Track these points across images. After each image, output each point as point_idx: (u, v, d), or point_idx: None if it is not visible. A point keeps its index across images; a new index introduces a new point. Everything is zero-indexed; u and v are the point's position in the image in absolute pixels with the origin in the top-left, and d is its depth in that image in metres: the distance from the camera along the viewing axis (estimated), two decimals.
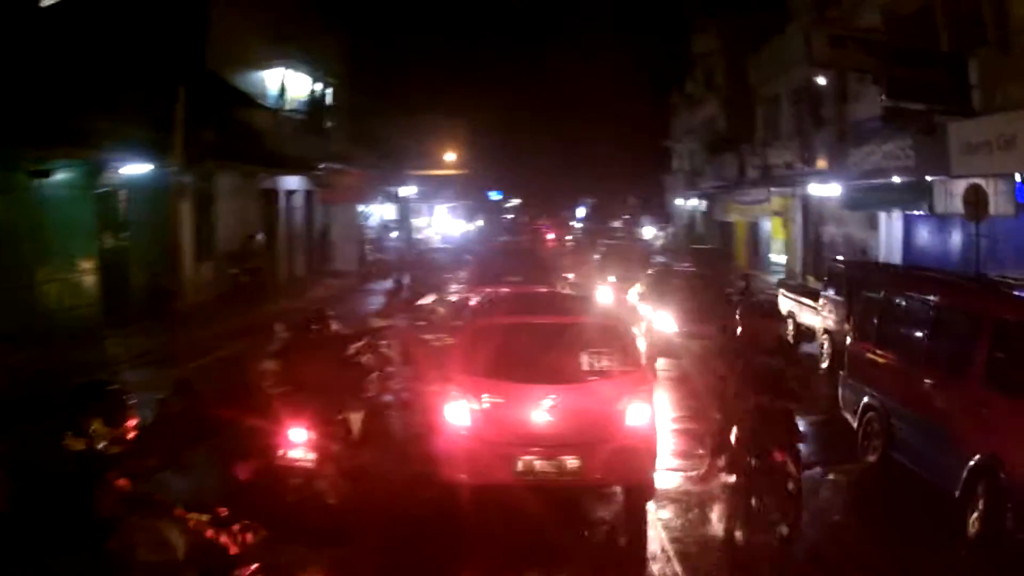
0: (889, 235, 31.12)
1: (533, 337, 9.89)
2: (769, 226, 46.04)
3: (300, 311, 25.83)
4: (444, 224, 66.26)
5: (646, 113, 79.35)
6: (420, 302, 23.33)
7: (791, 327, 22.63)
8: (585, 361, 9.65)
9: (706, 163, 56.09)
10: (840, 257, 27.13)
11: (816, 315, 20.98)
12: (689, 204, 66.16)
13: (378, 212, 50.43)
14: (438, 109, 70.16)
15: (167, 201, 23.95)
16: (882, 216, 31.12)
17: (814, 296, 21.97)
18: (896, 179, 25.99)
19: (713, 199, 54.93)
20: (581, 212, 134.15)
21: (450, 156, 69.80)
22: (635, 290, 23.53)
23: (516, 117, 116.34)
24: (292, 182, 33.69)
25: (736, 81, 48.71)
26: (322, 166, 32.25)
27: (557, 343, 9.71)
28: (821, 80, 33.72)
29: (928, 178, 24.26)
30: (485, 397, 9.27)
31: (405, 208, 45.60)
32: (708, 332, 17.60)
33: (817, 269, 35.49)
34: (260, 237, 29.27)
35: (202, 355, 19.53)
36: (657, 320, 19.90)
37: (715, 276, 25.87)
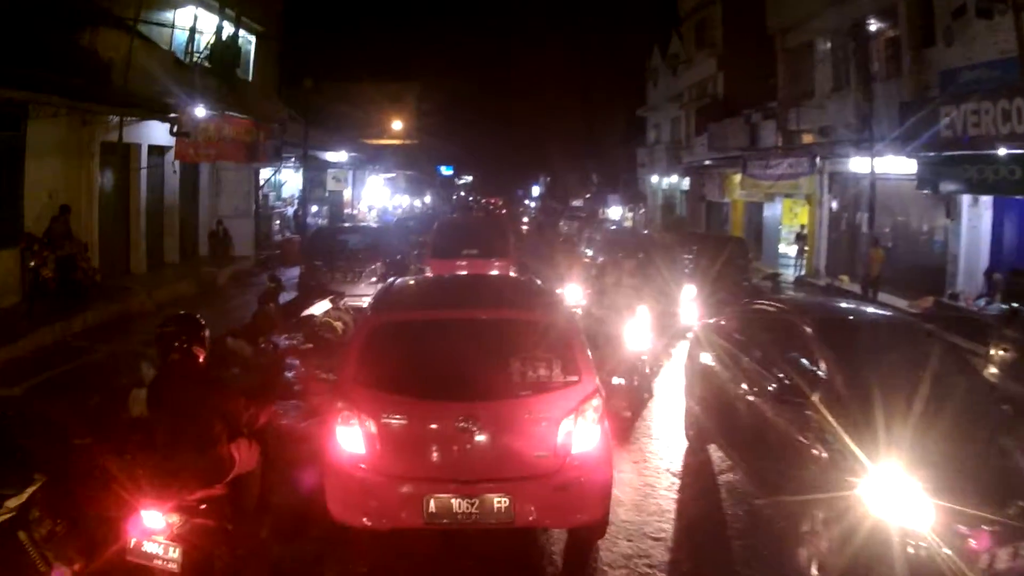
0: (974, 227, 23.23)
1: (447, 338, 7.86)
2: (778, 210, 37.66)
3: (125, 323, 18.93)
4: (380, 197, 56.44)
5: (616, 80, 71.90)
6: (309, 312, 16.39)
7: None
8: (516, 369, 7.57)
9: (694, 134, 48.89)
10: None
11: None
12: (667, 182, 57.86)
13: (294, 182, 40.73)
14: (387, 75, 68.93)
15: None
16: (964, 202, 23.09)
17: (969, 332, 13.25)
18: (1003, 151, 18.68)
19: (704, 175, 46.65)
20: (536, 191, 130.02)
21: (397, 125, 66.28)
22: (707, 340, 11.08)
23: (470, 85, 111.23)
24: (160, 135, 24.31)
25: (738, 33, 41.63)
26: (205, 113, 22.82)
27: (479, 346, 7.77)
28: (872, 25, 25.22)
29: None
30: (385, 417, 7.37)
31: (319, 176, 36.81)
32: None
33: (850, 266, 28.58)
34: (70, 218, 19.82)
35: None
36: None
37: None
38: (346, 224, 36.08)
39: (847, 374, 7.67)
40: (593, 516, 7.59)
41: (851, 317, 10.05)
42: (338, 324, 16.65)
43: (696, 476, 10.17)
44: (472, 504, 7.24)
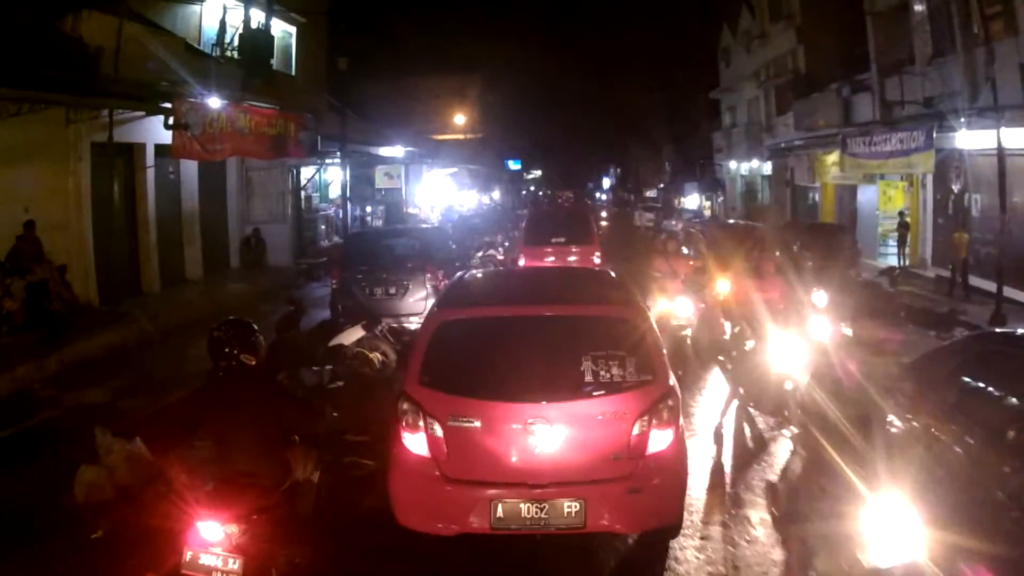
0: None
1: (516, 336, 7.62)
2: (874, 193, 33.86)
3: (113, 360, 15.62)
4: (443, 194, 52.90)
5: (687, 63, 68.50)
6: (337, 340, 12.97)
7: None
8: (588, 368, 7.23)
9: (775, 114, 45.64)
10: None
11: None
12: (746, 167, 54.30)
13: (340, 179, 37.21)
14: (449, 66, 66.57)
15: None
16: None
17: None
18: None
19: (789, 157, 42.72)
20: (607, 183, 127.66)
21: (460, 119, 64.42)
22: None
23: (536, 76, 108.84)
24: (165, 131, 20.16)
25: (818, 0, 38.40)
26: (214, 102, 20.14)
27: (549, 344, 7.52)
28: None
29: None
30: (451, 420, 7.18)
31: (367, 173, 33.58)
32: None
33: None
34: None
35: None
36: None
37: None
38: (399, 225, 32.71)
39: None
40: (668, 520, 7.45)
41: None
42: (374, 356, 13.60)
43: None
44: (542, 509, 7.03)
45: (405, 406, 7.30)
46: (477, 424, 7.13)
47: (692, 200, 67.20)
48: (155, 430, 8.86)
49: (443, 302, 8.58)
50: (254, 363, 6.56)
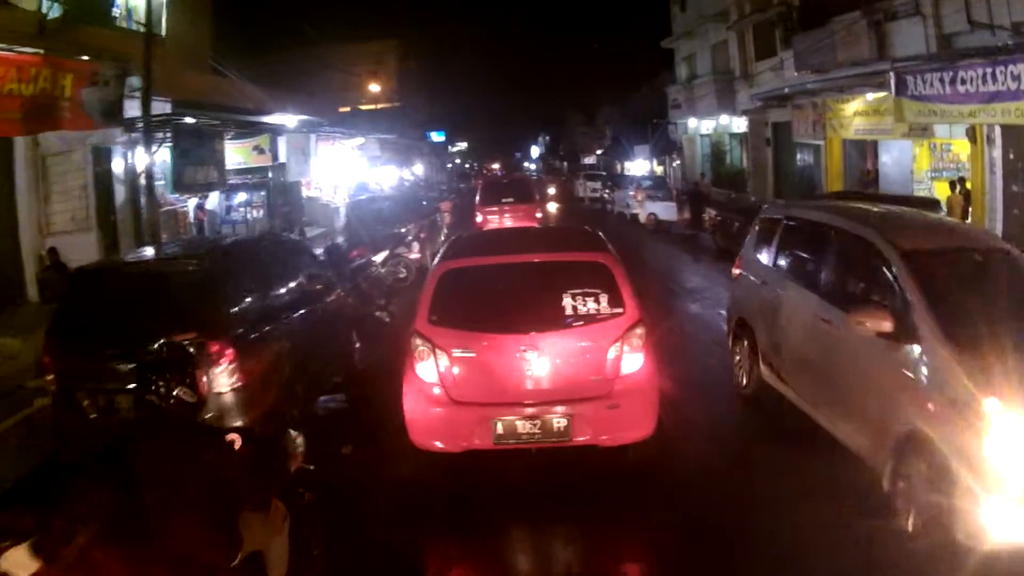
0: None
1: (507, 280, 8.85)
2: (901, 152, 26.18)
3: None
4: (349, 172, 43.84)
5: (626, 13, 61.74)
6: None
7: None
8: (568, 304, 8.54)
9: (754, 59, 38.18)
10: None
11: None
12: (708, 125, 46.64)
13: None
14: (365, 34, 63.81)
15: None
16: None
17: None
18: None
19: (770, 111, 35.47)
20: (536, 152, 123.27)
21: (374, 87, 61.58)
22: None
23: (460, 40, 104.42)
24: None
25: None
26: None
27: (534, 286, 8.79)
28: None
29: None
30: (456, 351, 8.40)
31: (211, 146, 24.54)
32: None
33: None
34: None
35: None
36: None
37: None
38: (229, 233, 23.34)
39: None
40: (642, 433, 8.52)
41: None
42: None
43: None
44: (535, 425, 8.21)
45: (417, 341, 8.35)
46: (478, 354, 8.32)
47: (640, 165, 59.83)
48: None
49: (444, 256, 9.43)
50: (195, 401, 5.91)
